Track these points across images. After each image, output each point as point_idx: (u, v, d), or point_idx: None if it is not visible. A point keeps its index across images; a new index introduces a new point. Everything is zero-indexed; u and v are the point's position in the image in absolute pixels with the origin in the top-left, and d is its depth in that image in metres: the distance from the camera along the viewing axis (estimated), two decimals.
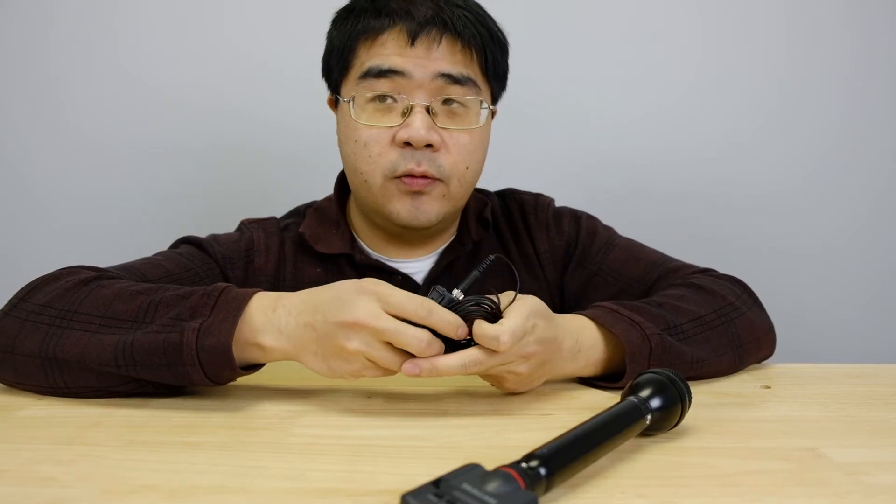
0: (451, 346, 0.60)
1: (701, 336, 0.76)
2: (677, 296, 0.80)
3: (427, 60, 0.81)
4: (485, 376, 0.67)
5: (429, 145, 0.82)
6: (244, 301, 0.63)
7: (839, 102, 1.41)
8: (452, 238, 0.94)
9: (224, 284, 0.65)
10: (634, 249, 0.96)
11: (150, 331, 0.62)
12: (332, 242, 0.91)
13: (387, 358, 0.59)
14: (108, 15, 1.35)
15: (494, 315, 0.61)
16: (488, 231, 0.95)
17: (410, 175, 0.83)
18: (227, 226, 0.97)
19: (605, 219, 1.02)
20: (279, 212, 1.00)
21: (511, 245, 0.97)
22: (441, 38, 0.81)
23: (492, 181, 1.04)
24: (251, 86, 1.37)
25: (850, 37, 1.40)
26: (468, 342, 0.60)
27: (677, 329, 0.74)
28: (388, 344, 0.59)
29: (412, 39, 0.81)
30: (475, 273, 0.65)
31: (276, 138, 1.38)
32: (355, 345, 0.58)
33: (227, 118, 1.37)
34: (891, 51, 1.40)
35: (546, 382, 0.71)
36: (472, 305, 0.60)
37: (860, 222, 1.44)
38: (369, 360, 0.60)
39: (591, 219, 1.00)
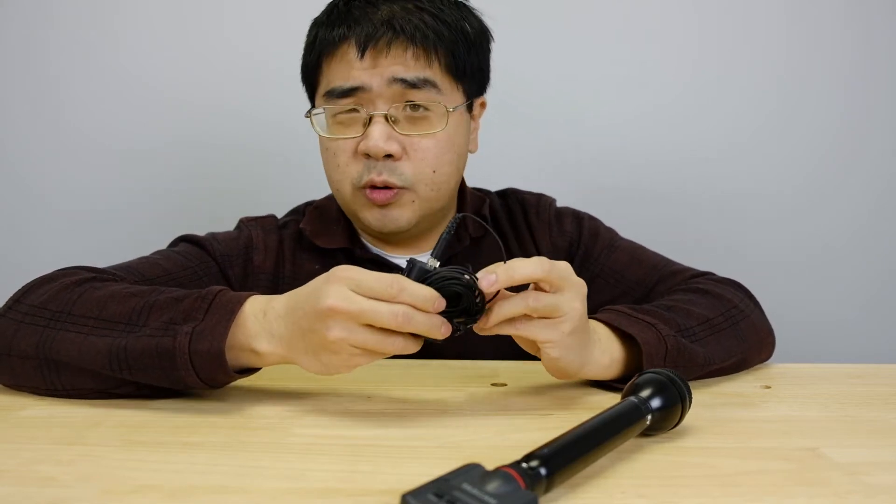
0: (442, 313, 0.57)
1: (711, 338, 0.76)
2: (685, 300, 0.81)
3: (375, 69, 0.81)
4: (540, 332, 0.61)
5: (388, 155, 0.82)
6: (238, 305, 0.62)
7: (839, 102, 1.41)
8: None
9: (218, 288, 0.64)
10: (636, 252, 0.96)
11: (143, 335, 0.61)
12: (333, 237, 0.92)
13: (372, 340, 0.57)
14: (108, 15, 1.35)
15: (470, 286, 0.58)
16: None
17: (373, 186, 0.83)
18: (227, 225, 0.97)
19: (602, 219, 1.02)
20: (279, 211, 1.00)
21: (513, 244, 0.97)
22: (389, 47, 0.81)
23: (487, 180, 1.04)
24: (251, 86, 1.37)
25: (850, 37, 1.40)
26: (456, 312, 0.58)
27: (689, 332, 0.75)
28: (372, 326, 0.56)
29: (361, 52, 0.81)
30: (444, 235, 0.62)
31: (275, 138, 1.37)
32: (335, 333, 0.56)
33: (226, 118, 1.37)
34: (891, 51, 1.40)
35: (549, 383, 0.71)
36: (446, 276, 0.57)
37: (860, 222, 1.44)
38: (356, 347, 0.57)
39: (593, 220, 1.01)
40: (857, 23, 1.40)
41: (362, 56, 0.81)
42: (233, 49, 1.36)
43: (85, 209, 1.37)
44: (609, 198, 1.39)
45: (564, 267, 0.61)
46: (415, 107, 0.83)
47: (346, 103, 0.83)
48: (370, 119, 0.82)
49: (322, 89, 0.86)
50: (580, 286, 0.63)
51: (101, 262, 0.78)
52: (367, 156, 0.83)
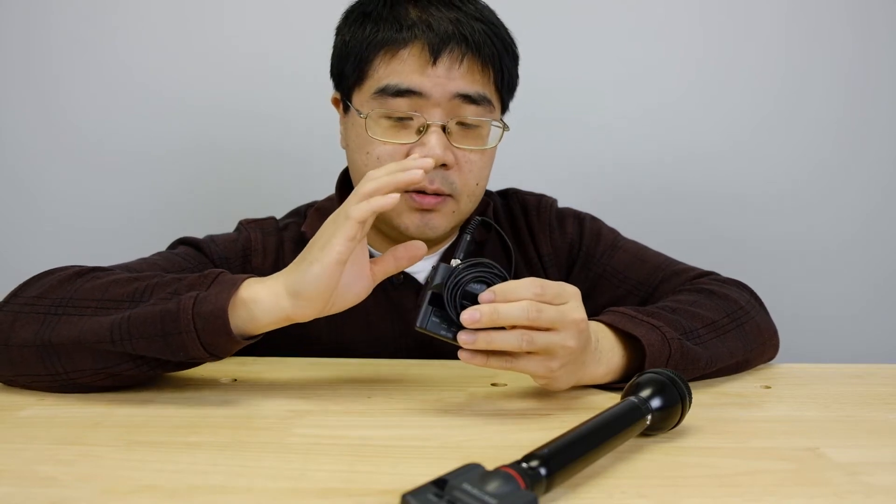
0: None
1: (717, 340, 0.76)
2: (689, 301, 0.81)
3: (447, 80, 0.80)
4: (531, 366, 0.63)
5: (443, 164, 0.82)
6: (240, 279, 0.64)
7: (840, 102, 1.41)
8: (454, 239, 0.94)
9: (220, 269, 0.66)
10: (639, 252, 0.96)
11: (148, 304, 0.63)
12: None
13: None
14: (108, 15, 1.35)
15: (503, 277, 0.60)
16: (490, 232, 0.95)
17: (422, 192, 0.82)
18: (227, 226, 0.96)
19: (608, 219, 1.02)
20: (280, 212, 1.00)
21: (513, 246, 0.96)
22: (463, 59, 0.80)
23: (491, 180, 1.03)
24: (252, 86, 1.36)
25: (851, 36, 1.40)
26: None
27: (694, 334, 0.75)
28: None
29: (434, 58, 0.79)
30: (465, 237, 0.64)
31: (277, 138, 1.37)
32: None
33: (227, 118, 1.37)
34: (891, 50, 1.40)
35: None
36: (480, 270, 0.61)
37: (860, 222, 1.44)
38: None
39: (595, 220, 1.00)
40: (857, 23, 1.40)
41: (434, 62, 0.79)
42: (233, 49, 1.36)
43: (84, 209, 1.37)
44: (614, 198, 1.40)
45: (557, 297, 0.61)
46: (465, 122, 0.83)
47: (400, 105, 0.81)
48: (426, 127, 0.81)
49: (373, 84, 0.82)
50: (581, 324, 0.62)
51: (101, 263, 0.78)
52: None
